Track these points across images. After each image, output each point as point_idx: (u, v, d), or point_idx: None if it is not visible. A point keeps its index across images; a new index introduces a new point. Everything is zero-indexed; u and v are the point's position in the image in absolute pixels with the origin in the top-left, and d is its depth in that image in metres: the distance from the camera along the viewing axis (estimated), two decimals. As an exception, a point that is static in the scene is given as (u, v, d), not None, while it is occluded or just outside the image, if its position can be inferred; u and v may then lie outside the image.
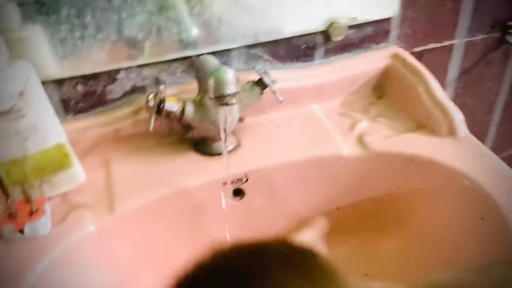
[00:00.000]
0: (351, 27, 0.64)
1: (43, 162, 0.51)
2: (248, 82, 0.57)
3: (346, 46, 0.66)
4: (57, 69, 0.55)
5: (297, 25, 0.62)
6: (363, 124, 0.62)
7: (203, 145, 0.58)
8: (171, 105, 0.54)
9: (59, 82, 0.56)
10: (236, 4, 0.57)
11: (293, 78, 0.64)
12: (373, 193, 0.59)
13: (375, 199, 0.59)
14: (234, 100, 0.45)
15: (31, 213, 0.48)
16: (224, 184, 0.55)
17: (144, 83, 0.60)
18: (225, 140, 0.51)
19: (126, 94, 0.59)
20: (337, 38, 0.64)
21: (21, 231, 0.47)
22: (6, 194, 0.50)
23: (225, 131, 0.49)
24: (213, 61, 0.52)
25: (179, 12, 0.55)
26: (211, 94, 0.45)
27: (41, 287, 0.44)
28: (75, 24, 0.53)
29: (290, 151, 0.58)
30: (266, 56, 0.63)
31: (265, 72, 0.56)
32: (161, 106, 0.53)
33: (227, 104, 0.45)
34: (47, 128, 0.50)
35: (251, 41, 0.61)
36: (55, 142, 0.51)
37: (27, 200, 0.49)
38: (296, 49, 0.64)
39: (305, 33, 0.63)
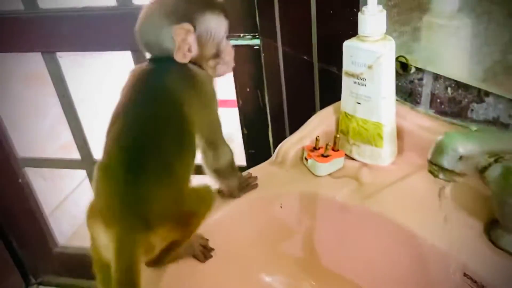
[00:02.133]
0: None
1: (361, 129, 0.57)
2: None
3: None
4: (440, 64, 0.55)
5: None
6: None
7: (494, 227, 0.45)
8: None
9: (436, 76, 0.55)
10: None
11: None
12: None
13: None
14: (441, 175, 0.33)
15: (322, 156, 0.58)
16: (470, 277, 0.43)
17: (509, 121, 0.49)
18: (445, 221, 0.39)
19: (485, 121, 0.51)
20: None
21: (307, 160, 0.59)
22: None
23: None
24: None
25: None
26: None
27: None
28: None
29: None
30: None
31: None
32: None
33: (433, 175, 0.34)
34: (377, 105, 0.54)
35: None
36: (376, 120, 0.55)
37: (331, 146, 0.58)
38: None
39: None
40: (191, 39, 0.46)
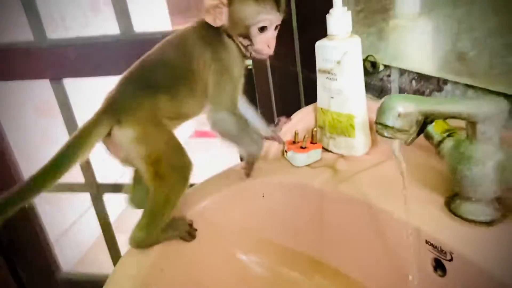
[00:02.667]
0: None
1: (335, 122, 0.62)
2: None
3: None
4: (403, 60, 0.60)
5: None
6: None
7: (454, 198, 0.48)
8: (432, 131, 0.48)
9: (402, 71, 0.60)
10: None
11: None
12: None
13: None
14: (386, 134, 0.37)
15: (301, 147, 0.62)
16: (431, 244, 0.46)
17: (466, 105, 0.53)
18: (404, 186, 0.42)
19: (446, 107, 0.55)
20: None
21: (286, 153, 0.63)
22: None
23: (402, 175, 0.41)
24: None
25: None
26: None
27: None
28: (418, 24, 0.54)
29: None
30: None
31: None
32: (426, 126, 0.49)
33: (380, 134, 0.38)
34: (348, 97, 0.59)
35: None
36: (348, 112, 0.60)
37: (309, 138, 0.62)
38: None
39: None
40: (223, 10, 0.52)
